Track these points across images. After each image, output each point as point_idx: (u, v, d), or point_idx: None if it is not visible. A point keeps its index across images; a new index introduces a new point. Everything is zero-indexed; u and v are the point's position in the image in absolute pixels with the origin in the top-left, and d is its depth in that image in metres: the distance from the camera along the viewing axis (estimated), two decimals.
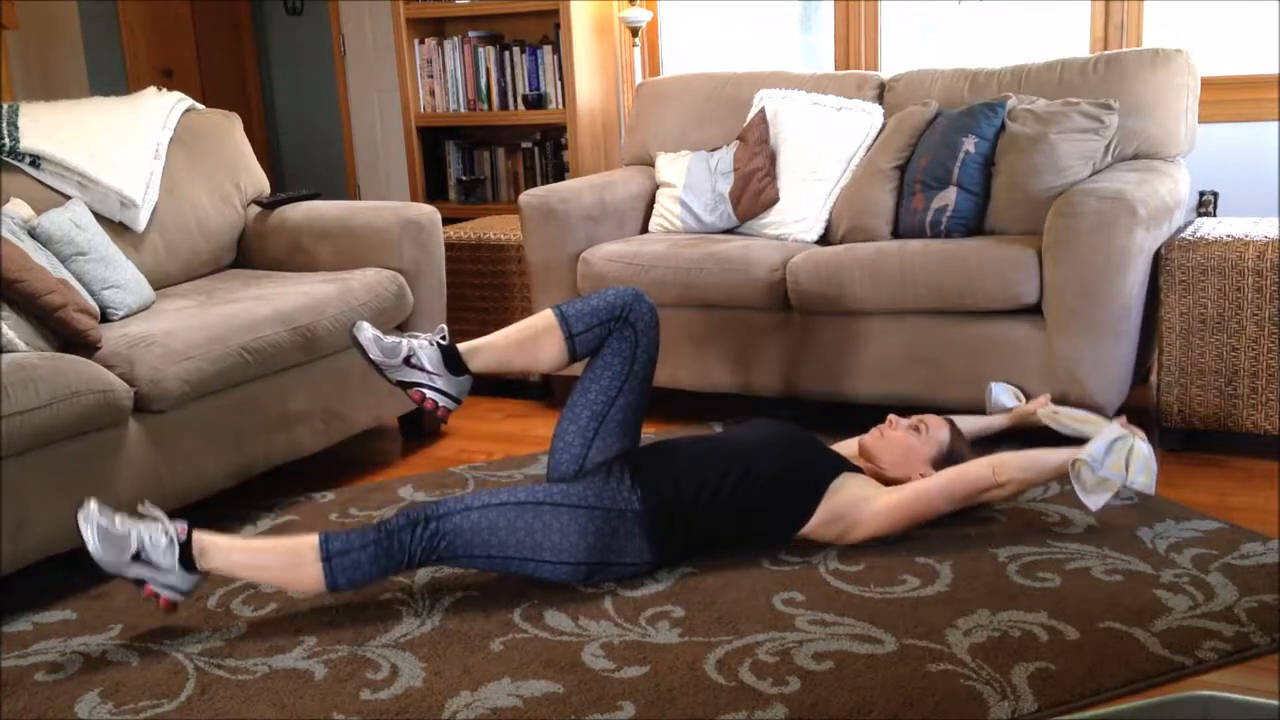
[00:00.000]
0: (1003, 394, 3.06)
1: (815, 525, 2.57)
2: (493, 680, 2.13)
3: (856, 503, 2.56)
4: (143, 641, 2.35)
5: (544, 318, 2.63)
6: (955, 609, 2.30)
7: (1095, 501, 2.55)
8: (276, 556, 2.36)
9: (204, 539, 2.33)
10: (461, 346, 2.59)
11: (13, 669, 2.27)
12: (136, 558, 2.27)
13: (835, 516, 2.56)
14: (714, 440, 2.71)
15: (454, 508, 2.39)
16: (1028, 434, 2.96)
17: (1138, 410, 3.33)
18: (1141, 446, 2.57)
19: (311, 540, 2.34)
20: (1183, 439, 3.15)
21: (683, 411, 3.61)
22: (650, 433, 2.88)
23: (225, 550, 2.34)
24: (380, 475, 3.31)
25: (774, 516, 2.57)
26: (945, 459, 2.69)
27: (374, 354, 2.52)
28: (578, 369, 2.74)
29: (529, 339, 2.63)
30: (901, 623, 2.26)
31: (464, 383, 2.58)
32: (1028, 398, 3.05)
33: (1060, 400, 3.02)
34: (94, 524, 2.26)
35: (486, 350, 2.62)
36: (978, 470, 2.59)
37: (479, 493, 2.44)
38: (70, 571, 2.68)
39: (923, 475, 2.67)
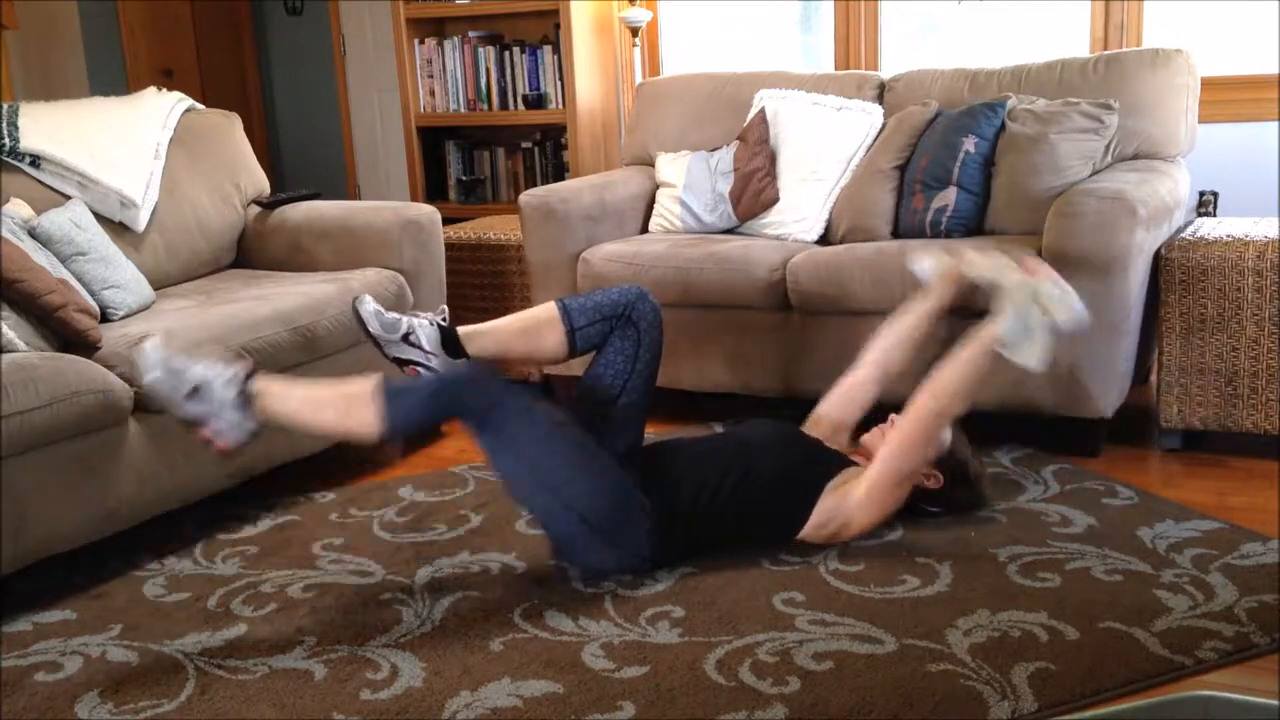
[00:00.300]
0: (924, 263, 2.89)
1: (811, 529, 2.57)
2: (493, 680, 2.13)
3: (840, 501, 2.56)
4: (143, 641, 2.35)
5: (546, 309, 2.63)
6: (955, 609, 2.30)
7: (1037, 358, 2.48)
8: (333, 398, 2.35)
9: (261, 382, 2.33)
10: (462, 330, 2.59)
11: (13, 669, 2.27)
12: (194, 393, 2.26)
13: (827, 518, 2.56)
14: (714, 440, 2.71)
15: (524, 399, 2.39)
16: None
17: (1138, 410, 3.34)
18: (1048, 287, 2.49)
19: (370, 381, 2.34)
20: (1183, 439, 3.15)
21: (683, 411, 3.61)
22: (650, 433, 2.87)
23: (282, 393, 2.34)
24: (380, 475, 3.31)
25: (774, 516, 2.57)
26: (947, 459, 2.69)
27: (373, 327, 2.53)
28: (578, 367, 2.74)
29: (530, 328, 2.63)
30: (901, 623, 2.26)
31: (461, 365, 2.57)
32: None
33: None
34: (155, 355, 2.26)
35: (486, 336, 2.62)
36: (920, 407, 2.52)
37: (546, 404, 2.44)
38: (70, 571, 2.68)
39: (925, 475, 2.66)
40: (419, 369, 2.53)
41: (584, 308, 2.60)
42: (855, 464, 2.67)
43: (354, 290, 3.26)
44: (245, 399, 2.30)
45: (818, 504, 2.55)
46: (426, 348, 2.53)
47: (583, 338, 2.61)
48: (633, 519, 2.45)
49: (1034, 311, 2.48)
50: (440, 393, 2.35)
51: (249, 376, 2.32)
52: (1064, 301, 2.49)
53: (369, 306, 2.55)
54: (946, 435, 2.72)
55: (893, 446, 2.54)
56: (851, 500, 2.55)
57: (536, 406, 2.41)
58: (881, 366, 2.85)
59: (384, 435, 2.35)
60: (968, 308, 2.83)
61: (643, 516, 2.46)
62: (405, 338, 2.53)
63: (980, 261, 2.73)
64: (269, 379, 2.36)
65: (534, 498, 2.44)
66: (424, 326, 2.55)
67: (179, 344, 2.79)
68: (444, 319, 2.58)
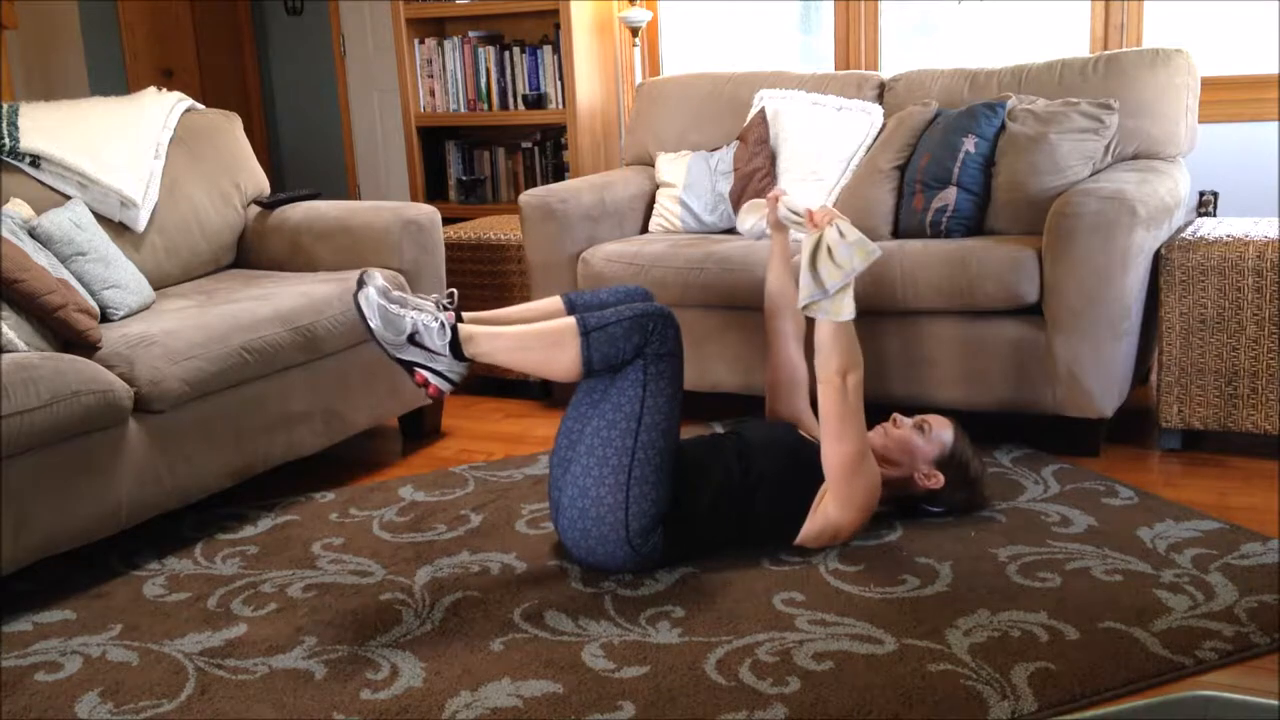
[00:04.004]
0: (747, 222, 3.00)
1: (809, 538, 2.57)
2: (493, 680, 2.13)
3: (825, 511, 2.55)
4: (143, 641, 2.35)
5: (562, 322, 2.50)
6: (955, 609, 2.30)
7: (841, 312, 2.49)
8: (538, 338, 2.43)
9: (469, 327, 2.41)
10: (463, 330, 2.47)
11: (13, 669, 2.27)
12: (411, 339, 2.36)
13: (820, 529, 2.56)
14: (714, 440, 2.70)
15: (681, 370, 2.50)
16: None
17: (1138, 410, 3.34)
18: (831, 235, 2.49)
19: (569, 321, 2.42)
20: (1183, 439, 3.15)
21: (683, 411, 3.60)
22: None
23: (489, 336, 2.43)
24: (380, 475, 3.31)
25: (774, 517, 2.57)
26: (948, 459, 2.68)
27: (375, 324, 2.40)
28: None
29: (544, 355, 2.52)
30: (901, 623, 2.26)
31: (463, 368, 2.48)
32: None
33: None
34: (374, 304, 2.35)
35: (489, 341, 2.51)
36: (824, 396, 2.51)
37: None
38: (70, 571, 2.68)
39: (926, 475, 2.66)
40: (424, 372, 2.43)
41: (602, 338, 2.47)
42: None
43: (354, 290, 3.26)
44: (456, 346, 2.38)
45: (810, 515, 2.55)
46: (433, 347, 2.43)
47: (600, 360, 2.47)
48: (656, 531, 2.47)
49: (826, 265, 2.49)
50: (633, 331, 2.40)
51: (456, 321, 2.41)
52: (847, 248, 2.48)
53: (373, 296, 2.39)
54: (948, 434, 2.72)
55: (828, 443, 2.51)
56: (831, 511, 2.55)
57: (680, 387, 2.48)
58: (784, 333, 2.91)
59: (584, 376, 2.45)
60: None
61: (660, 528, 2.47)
62: (411, 338, 2.42)
63: (788, 210, 2.84)
64: (472, 326, 2.44)
65: (603, 464, 2.43)
66: (430, 326, 2.42)
67: (180, 344, 2.79)
68: (450, 301, 2.51)
